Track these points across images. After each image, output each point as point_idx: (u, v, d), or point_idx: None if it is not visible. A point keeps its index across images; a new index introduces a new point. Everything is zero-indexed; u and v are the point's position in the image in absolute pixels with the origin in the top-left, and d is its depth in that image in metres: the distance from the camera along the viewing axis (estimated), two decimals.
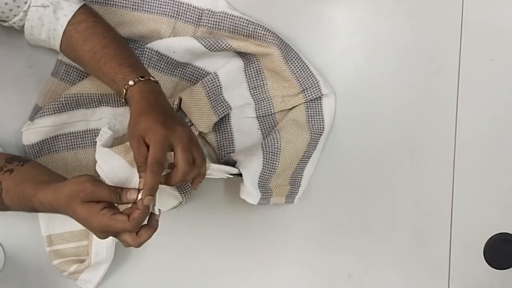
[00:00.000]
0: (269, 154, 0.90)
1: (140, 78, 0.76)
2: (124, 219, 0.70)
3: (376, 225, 0.99)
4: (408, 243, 1.00)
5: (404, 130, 0.98)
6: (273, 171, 0.91)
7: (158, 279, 0.97)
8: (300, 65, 0.92)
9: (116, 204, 0.73)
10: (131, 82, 0.76)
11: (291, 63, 0.91)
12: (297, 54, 0.92)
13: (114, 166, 0.77)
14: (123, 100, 0.77)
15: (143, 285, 0.97)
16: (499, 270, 1.02)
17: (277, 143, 0.90)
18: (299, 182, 0.96)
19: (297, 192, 0.96)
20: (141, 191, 0.71)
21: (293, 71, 0.91)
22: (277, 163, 0.91)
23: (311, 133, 0.94)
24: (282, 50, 0.90)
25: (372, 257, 1.00)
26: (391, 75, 0.97)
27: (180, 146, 0.71)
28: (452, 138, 0.98)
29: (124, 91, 0.76)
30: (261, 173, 0.89)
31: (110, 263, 0.91)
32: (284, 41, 0.91)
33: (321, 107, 0.94)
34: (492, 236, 1.00)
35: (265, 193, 0.90)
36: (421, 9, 0.96)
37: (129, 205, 0.73)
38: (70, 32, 0.79)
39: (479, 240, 1.01)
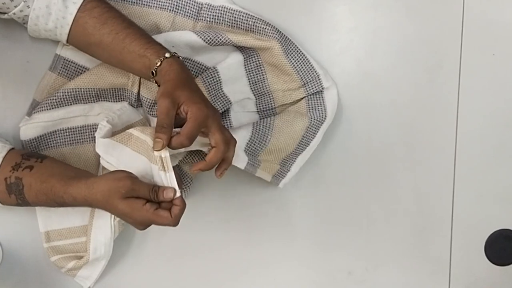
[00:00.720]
0: (259, 126, 0.90)
1: (175, 53, 0.79)
2: (167, 215, 0.74)
3: (377, 222, 0.99)
4: (409, 239, 0.99)
5: (405, 126, 0.97)
6: (264, 144, 0.90)
7: (156, 275, 0.96)
8: (300, 59, 0.91)
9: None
10: (167, 55, 0.78)
11: (292, 57, 0.90)
12: (297, 47, 0.91)
13: (119, 157, 0.78)
14: (152, 72, 0.78)
15: (142, 282, 0.96)
16: (500, 267, 1.01)
17: (271, 119, 0.91)
18: (290, 166, 0.94)
19: (284, 176, 0.94)
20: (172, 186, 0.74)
21: (294, 65, 0.91)
22: (268, 136, 0.90)
23: (311, 119, 0.92)
24: (282, 43, 0.89)
25: (373, 254, 1.00)
26: (392, 70, 0.96)
27: (218, 127, 0.75)
28: (453, 133, 0.98)
29: (159, 62, 0.77)
30: (248, 141, 0.89)
31: (108, 260, 0.90)
32: (284, 35, 0.90)
33: (322, 99, 0.93)
34: (493, 233, 1.00)
35: (252, 161, 0.89)
36: (422, 3, 0.96)
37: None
38: (84, 19, 0.80)
39: (480, 236, 1.00)
